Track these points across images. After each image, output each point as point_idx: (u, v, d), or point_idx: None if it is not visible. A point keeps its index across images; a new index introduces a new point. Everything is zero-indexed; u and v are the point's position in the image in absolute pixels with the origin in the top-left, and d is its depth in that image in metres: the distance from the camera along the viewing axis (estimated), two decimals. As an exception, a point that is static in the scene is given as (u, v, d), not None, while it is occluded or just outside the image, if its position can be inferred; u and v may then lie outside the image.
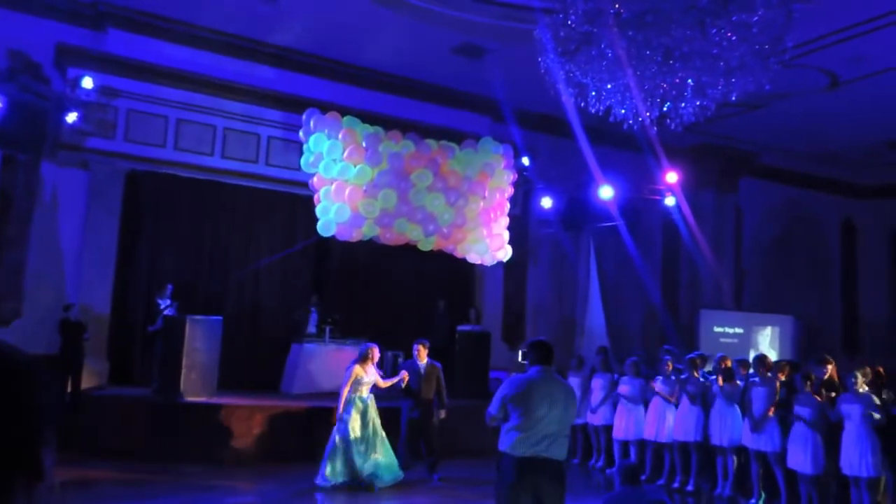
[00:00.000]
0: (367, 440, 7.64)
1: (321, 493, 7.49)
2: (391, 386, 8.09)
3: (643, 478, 8.43)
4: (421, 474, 8.32)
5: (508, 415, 4.27)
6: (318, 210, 10.13)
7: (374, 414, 7.79)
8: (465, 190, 10.38)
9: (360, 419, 7.63)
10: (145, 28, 10.41)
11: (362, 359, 7.79)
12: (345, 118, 10.40)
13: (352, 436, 7.55)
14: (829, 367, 7.78)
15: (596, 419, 9.39)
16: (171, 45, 10.58)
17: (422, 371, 8.32)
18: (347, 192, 9.92)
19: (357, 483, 7.51)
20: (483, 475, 8.79)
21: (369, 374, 7.79)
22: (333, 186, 9.98)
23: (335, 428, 7.70)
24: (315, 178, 10.30)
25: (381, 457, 7.72)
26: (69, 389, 9.28)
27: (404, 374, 8.12)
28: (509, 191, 11.26)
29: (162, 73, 10.43)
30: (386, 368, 10.97)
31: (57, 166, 10.17)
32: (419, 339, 8.63)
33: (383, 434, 7.83)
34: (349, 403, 7.66)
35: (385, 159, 10.03)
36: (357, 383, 7.70)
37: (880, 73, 11.07)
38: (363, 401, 7.71)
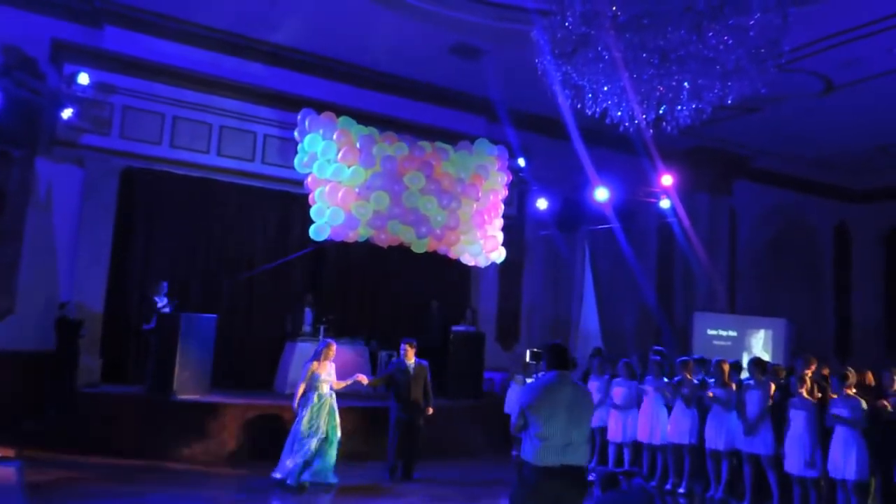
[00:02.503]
0: (315, 438, 7.55)
1: (313, 490, 7.50)
2: (346, 385, 8.07)
3: (638, 480, 8.44)
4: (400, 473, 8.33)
5: (528, 423, 4.19)
6: (313, 212, 10.11)
7: (328, 413, 7.70)
8: (459, 192, 10.36)
9: (312, 417, 7.60)
10: (142, 25, 10.38)
11: (319, 356, 7.80)
12: (340, 118, 10.38)
13: (302, 433, 7.54)
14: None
15: (592, 421, 9.39)
16: (167, 42, 10.56)
17: (410, 371, 8.35)
18: (341, 193, 9.90)
19: (290, 484, 7.42)
20: (473, 476, 8.83)
21: (327, 372, 7.79)
22: (328, 188, 9.95)
23: (294, 424, 7.72)
24: (310, 179, 10.27)
25: (321, 458, 7.64)
26: (64, 386, 9.26)
27: (359, 377, 8.09)
28: (503, 192, 11.25)
29: (158, 70, 10.40)
30: (380, 368, 10.99)
31: (52, 162, 10.14)
32: (406, 338, 8.64)
33: (335, 435, 7.73)
34: (305, 400, 7.67)
35: (378, 161, 10.01)
36: (313, 380, 7.70)
37: (874, 77, 11.12)
38: (320, 398, 7.69)
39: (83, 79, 9.62)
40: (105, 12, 10.24)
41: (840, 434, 6.82)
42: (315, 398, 7.67)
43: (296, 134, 10.51)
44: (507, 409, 10.60)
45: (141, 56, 10.30)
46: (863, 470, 6.65)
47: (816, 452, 7.03)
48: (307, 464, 7.51)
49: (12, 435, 8.51)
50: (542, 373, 4.52)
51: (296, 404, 7.70)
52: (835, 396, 7.06)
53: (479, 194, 10.67)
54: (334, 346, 7.99)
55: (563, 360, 4.35)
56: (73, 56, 9.90)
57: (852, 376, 7.06)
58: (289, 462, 7.54)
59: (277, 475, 7.56)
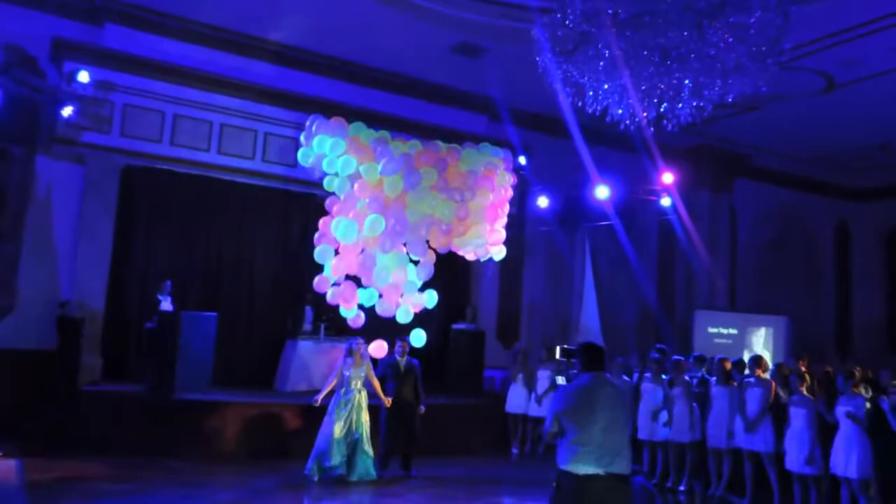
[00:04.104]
0: (347, 435, 7.79)
1: (312, 487, 7.53)
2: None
3: (640, 478, 8.46)
4: (399, 471, 8.37)
5: (564, 429, 3.92)
6: (340, 228, 9.01)
7: (357, 409, 7.88)
8: (472, 184, 9.68)
9: (343, 414, 7.79)
10: (142, 23, 10.36)
11: (347, 354, 8.02)
12: (351, 125, 9.52)
13: (334, 430, 7.73)
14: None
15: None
16: (168, 40, 10.54)
17: (401, 368, 8.39)
18: (358, 187, 9.00)
19: (331, 477, 7.67)
20: (473, 474, 8.84)
21: (356, 369, 7.93)
22: (354, 199, 9.05)
23: (323, 421, 7.89)
24: (328, 200, 9.44)
25: (358, 454, 7.85)
26: (65, 385, 9.29)
27: (388, 401, 8.23)
28: (510, 192, 10.86)
29: (159, 68, 10.39)
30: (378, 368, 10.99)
31: (52, 161, 10.11)
32: (402, 335, 8.68)
33: (365, 431, 7.92)
34: (334, 397, 7.88)
35: (395, 156, 9.33)
36: (343, 378, 7.90)
37: (875, 76, 11.11)
38: (349, 395, 7.85)
39: (83, 77, 9.61)
40: (105, 10, 10.22)
41: (843, 432, 6.81)
42: (343, 396, 7.86)
43: (302, 137, 9.82)
44: (508, 409, 10.60)
45: (141, 54, 10.28)
46: (865, 468, 6.64)
47: (816, 450, 7.03)
48: (339, 462, 7.71)
49: (13, 433, 8.52)
50: (573, 372, 4.37)
51: (319, 398, 7.92)
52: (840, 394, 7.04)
53: (494, 185, 10.10)
54: (361, 343, 8.14)
55: (598, 361, 4.09)
56: (73, 54, 9.89)
57: (859, 374, 7.05)
58: (315, 459, 7.77)
59: (306, 472, 7.76)
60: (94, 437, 8.52)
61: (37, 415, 9.11)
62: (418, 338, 8.78)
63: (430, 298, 9.07)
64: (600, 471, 3.80)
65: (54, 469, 7.59)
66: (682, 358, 8.90)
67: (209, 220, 11.13)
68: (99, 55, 10.04)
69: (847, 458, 6.71)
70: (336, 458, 7.69)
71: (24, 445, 8.22)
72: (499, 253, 10.59)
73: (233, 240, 11.31)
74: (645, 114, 7.27)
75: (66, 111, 9.55)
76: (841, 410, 6.84)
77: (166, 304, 9.79)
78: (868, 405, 6.79)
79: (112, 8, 10.20)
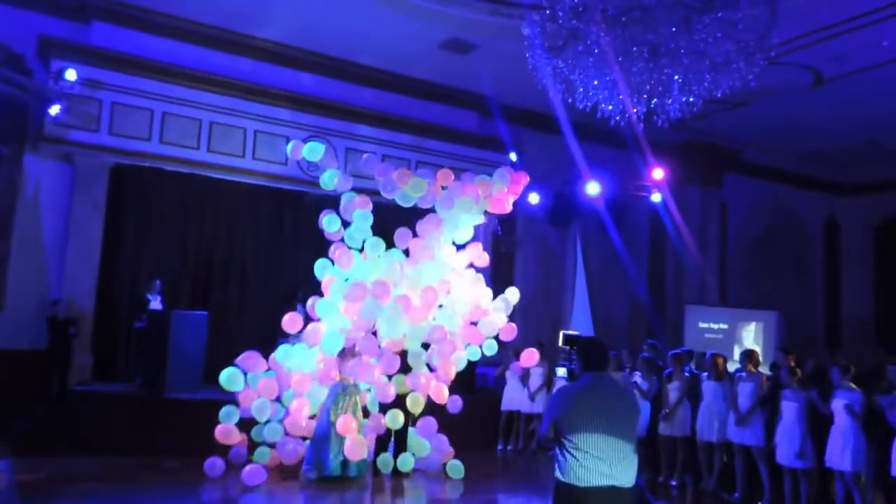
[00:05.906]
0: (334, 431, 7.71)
1: (306, 485, 7.52)
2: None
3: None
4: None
5: (561, 436, 3.52)
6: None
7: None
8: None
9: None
10: (130, 20, 10.32)
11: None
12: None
13: (330, 428, 7.67)
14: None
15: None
16: (156, 37, 10.50)
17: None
18: None
19: (325, 475, 7.61)
20: (467, 470, 8.83)
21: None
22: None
23: (317, 420, 7.87)
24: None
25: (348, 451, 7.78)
26: (56, 384, 9.25)
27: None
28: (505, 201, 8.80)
29: (147, 66, 10.34)
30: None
31: (40, 159, 10.06)
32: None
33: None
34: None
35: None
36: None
37: (863, 70, 11.18)
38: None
39: (71, 75, 9.55)
40: (93, 7, 10.17)
41: (839, 425, 6.82)
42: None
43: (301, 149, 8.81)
44: (503, 407, 10.59)
45: (129, 51, 10.23)
46: (859, 461, 6.67)
47: (807, 443, 7.07)
48: (333, 460, 7.66)
49: (4, 433, 8.48)
50: (565, 366, 4.21)
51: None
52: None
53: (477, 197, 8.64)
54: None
55: (601, 360, 3.68)
56: (60, 52, 9.82)
57: (854, 368, 7.08)
58: (312, 458, 7.72)
59: (303, 470, 7.71)
60: (85, 437, 8.47)
61: (28, 414, 9.07)
62: (456, 470, 8.42)
63: None
64: (601, 483, 3.42)
65: (45, 468, 7.55)
66: (681, 352, 8.93)
67: (199, 219, 11.09)
68: (86, 53, 9.98)
69: (842, 451, 6.73)
70: (333, 457, 7.64)
71: (15, 445, 8.20)
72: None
73: (223, 238, 11.28)
74: (635, 109, 7.29)
75: (54, 110, 9.49)
76: (838, 403, 6.86)
77: (156, 303, 9.76)
78: (865, 400, 6.80)
79: (99, 5, 10.15)
